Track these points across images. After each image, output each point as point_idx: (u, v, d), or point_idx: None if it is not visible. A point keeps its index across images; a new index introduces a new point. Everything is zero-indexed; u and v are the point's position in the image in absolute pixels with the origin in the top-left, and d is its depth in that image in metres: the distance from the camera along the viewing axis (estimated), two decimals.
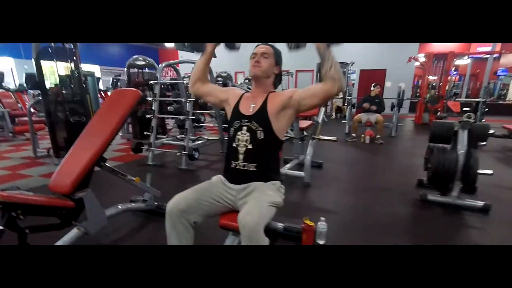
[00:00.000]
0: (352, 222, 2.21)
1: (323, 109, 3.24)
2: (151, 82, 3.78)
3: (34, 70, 3.44)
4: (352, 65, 9.77)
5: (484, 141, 2.38)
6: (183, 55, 13.43)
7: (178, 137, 4.11)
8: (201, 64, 1.46)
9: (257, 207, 1.12)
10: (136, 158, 4.01)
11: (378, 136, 5.37)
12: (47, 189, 1.63)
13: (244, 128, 1.30)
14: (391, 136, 6.00)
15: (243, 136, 1.29)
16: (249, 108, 1.34)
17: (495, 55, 10.50)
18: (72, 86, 3.65)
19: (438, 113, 7.64)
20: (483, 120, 6.49)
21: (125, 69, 4.96)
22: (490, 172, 2.25)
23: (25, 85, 6.51)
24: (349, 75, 9.94)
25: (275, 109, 1.30)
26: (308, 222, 1.70)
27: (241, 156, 1.29)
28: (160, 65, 3.86)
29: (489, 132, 2.36)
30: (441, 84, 7.89)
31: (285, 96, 1.31)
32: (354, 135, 5.57)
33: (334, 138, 3.01)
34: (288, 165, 3.28)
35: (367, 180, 3.29)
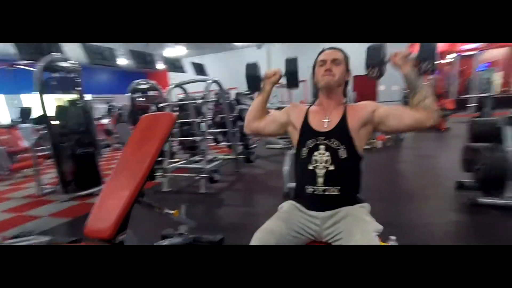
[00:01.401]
0: (410, 238, 2.02)
1: None
2: (162, 104, 3.62)
3: (22, 104, 3.26)
4: None
5: None
6: (174, 76, 13.26)
7: (192, 159, 3.92)
8: (259, 103, 1.31)
9: (367, 241, 0.94)
10: (149, 186, 3.77)
11: (388, 136, 5.34)
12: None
13: (322, 147, 1.13)
14: (399, 139, 5.94)
15: (321, 156, 1.12)
16: (322, 123, 1.17)
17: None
18: (73, 116, 3.46)
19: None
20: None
21: (129, 94, 4.79)
22: None
23: (19, 120, 6.25)
24: None
25: (357, 124, 1.14)
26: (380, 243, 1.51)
27: (320, 180, 1.11)
28: (170, 87, 3.72)
29: None
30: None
31: (367, 110, 1.16)
32: None
33: (368, 146, 2.88)
34: None
35: (399, 187, 3.14)
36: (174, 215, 1.76)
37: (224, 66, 12.37)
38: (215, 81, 3.80)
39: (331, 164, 1.11)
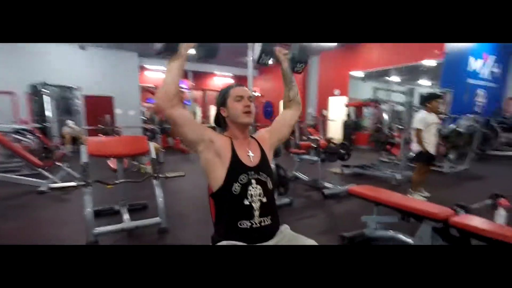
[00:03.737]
0: None
1: (151, 143, 2.96)
2: None
3: None
4: (78, 90, 8.60)
5: (278, 156, 3.53)
6: None
7: None
8: (177, 70, 1.11)
9: None
10: None
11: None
12: None
13: (253, 181, 1.16)
14: (160, 163, 6.27)
15: (255, 190, 1.15)
16: (248, 157, 1.20)
17: None
18: None
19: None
20: None
21: None
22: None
23: None
24: (75, 101, 8.67)
25: (269, 154, 1.28)
26: None
27: (256, 213, 1.13)
28: None
29: (280, 149, 3.54)
30: None
31: (266, 138, 1.30)
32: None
33: (182, 174, 2.92)
34: (127, 216, 2.69)
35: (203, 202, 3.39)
36: None
37: None
38: None
39: (263, 197, 1.17)
